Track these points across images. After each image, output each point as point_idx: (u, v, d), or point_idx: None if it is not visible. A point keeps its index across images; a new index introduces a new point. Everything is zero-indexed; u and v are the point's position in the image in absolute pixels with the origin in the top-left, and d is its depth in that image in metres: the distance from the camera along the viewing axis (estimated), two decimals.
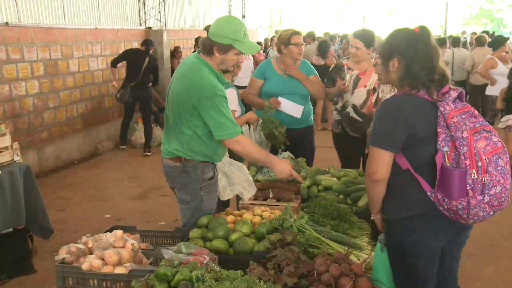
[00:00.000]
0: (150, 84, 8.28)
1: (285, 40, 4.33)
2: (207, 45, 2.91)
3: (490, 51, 8.68)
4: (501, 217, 2.26)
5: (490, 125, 2.19)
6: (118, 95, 7.96)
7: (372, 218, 2.53)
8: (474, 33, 15.30)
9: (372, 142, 2.27)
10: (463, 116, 2.16)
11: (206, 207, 3.09)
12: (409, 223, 2.29)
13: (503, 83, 7.87)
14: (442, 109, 2.16)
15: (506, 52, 8.47)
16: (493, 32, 16.03)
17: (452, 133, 2.11)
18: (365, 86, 4.36)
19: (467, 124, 2.14)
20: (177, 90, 2.95)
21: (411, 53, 2.24)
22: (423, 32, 2.27)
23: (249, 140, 3.01)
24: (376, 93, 4.32)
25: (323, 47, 9.59)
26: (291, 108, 4.34)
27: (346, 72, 4.46)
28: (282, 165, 3.02)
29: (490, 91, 8.30)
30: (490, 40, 9.84)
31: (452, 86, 2.25)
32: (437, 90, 2.23)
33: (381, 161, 2.24)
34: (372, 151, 2.28)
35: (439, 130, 2.16)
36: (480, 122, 2.17)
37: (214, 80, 2.89)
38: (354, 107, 4.40)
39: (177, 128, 2.98)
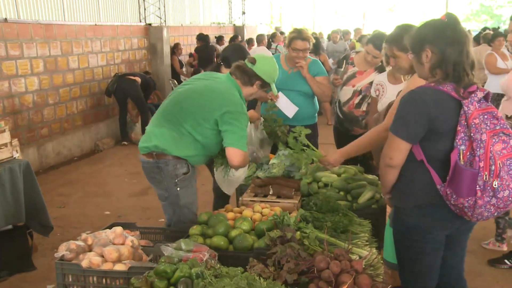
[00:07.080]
0: (137, 78, 8.52)
1: (288, 40, 4.33)
2: (250, 74, 3.13)
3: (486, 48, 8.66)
4: None
5: (510, 129, 2.18)
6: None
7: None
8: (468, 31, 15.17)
9: (392, 129, 2.30)
10: (485, 116, 2.15)
11: (184, 202, 3.13)
12: (417, 211, 2.34)
13: (501, 78, 7.84)
14: (466, 108, 2.15)
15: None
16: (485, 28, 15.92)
17: (472, 134, 2.11)
18: (353, 86, 4.38)
19: (488, 125, 2.13)
20: (198, 91, 3.08)
21: (441, 41, 2.23)
22: (450, 19, 2.27)
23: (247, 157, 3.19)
24: (360, 96, 4.34)
25: (315, 44, 9.62)
26: (286, 105, 4.30)
27: (348, 65, 4.45)
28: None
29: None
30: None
31: (480, 86, 2.24)
32: (464, 88, 2.21)
33: (398, 149, 2.28)
34: (390, 138, 2.31)
35: (459, 128, 2.16)
36: (501, 125, 2.16)
37: (242, 100, 3.14)
38: (339, 103, 4.43)
39: (177, 123, 3.03)
